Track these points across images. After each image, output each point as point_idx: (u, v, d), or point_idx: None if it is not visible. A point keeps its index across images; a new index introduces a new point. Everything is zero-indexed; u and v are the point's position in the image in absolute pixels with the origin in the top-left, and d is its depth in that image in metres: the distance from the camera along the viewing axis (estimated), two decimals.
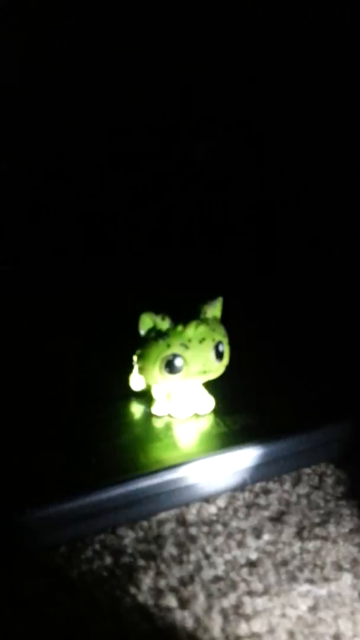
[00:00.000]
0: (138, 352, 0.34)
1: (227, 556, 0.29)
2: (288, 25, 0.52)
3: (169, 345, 0.33)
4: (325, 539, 0.30)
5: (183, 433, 0.34)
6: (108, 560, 0.28)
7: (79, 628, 0.25)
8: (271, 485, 0.33)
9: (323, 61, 0.50)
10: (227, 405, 0.36)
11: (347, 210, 0.49)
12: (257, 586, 0.27)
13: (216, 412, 0.36)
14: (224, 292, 0.36)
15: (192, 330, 0.33)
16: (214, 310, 0.35)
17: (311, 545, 0.29)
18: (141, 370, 0.34)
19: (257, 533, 0.30)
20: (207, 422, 0.35)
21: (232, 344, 0.35)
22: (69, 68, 0.58)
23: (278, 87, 0.54)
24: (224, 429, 0.34)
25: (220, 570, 0.28)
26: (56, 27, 0.57)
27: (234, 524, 0.31)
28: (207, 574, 0.28)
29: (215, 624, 0.25)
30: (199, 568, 0.28)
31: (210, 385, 0.35)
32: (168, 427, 0.35)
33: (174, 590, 0.27)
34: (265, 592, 0.27)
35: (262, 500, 0.32)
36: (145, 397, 0.36)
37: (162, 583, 0.27)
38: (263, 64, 0.55)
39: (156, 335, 0.34)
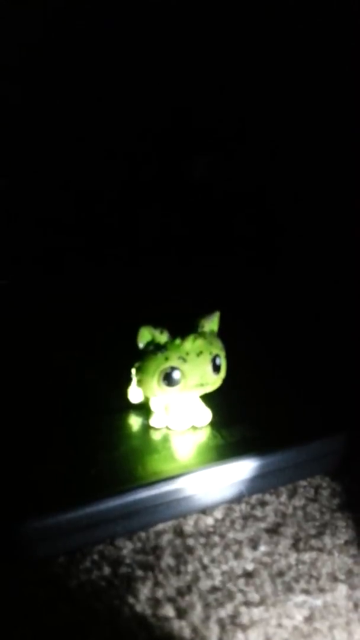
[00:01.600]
0: (136, 364, 0.35)
1: (224, 567, 0.29)
2: (287, 40, 0.53)
3: (167, 358, 0.34)
4: (320, 550, 0.30)
5: (180, 445, 0.34)
6: (106, 570, 0.29)
7: (78, 637, 0.25)
8: (267, 497, 0.34)
9: (322, 74, 0.51)
10: (224, 418, 0.36)
11: (349, 225, 0.49)
12: (254, 596, 0.27)
13: (213, 424, 0.36)
14: (222, 306, 0.36)
15: (190, 344, 0.34)
16: (212, 324, 0.36)
17: (307, 556, 0.30)
18: (139, 382, 0.35)
19: (254, 544, 0.30)
20: (204, 434, 0.35)
21: (229, 357, 0.35)
22: (68, 84, 0.59)
23: (277, 101, 0.55)
24: (220, 441, 0.35)
25: (217, 580, 0.28)
26: (54, 41, 0.57)
27: (231, 535, 0.31)
28: (204, 584, 0.28)
29: (212, 633, 0.26)
30: (196, 578, 0.28)
31: (208, 398, 0.36)
32: (166, 439, 0.35)
33: (171, 600, 0.27)
34: (262, 602, 0.27)
35: (258, 512, 0.33)
36: (144, 409, 0.37)
37: (159, 593, 0.27)
38: (262, 78, 0.56)
39: (154, 348, 0.34)
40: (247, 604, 0.27)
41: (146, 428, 0.36)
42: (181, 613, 0.26)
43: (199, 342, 0.34)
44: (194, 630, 0.26)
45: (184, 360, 0.34)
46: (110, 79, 0.59)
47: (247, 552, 0.30)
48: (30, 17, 0.56)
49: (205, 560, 0.29)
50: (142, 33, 0.58)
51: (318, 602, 0.27)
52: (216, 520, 0.32)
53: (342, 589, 0.28)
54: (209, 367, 0.34)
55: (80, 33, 0.58)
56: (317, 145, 0.52)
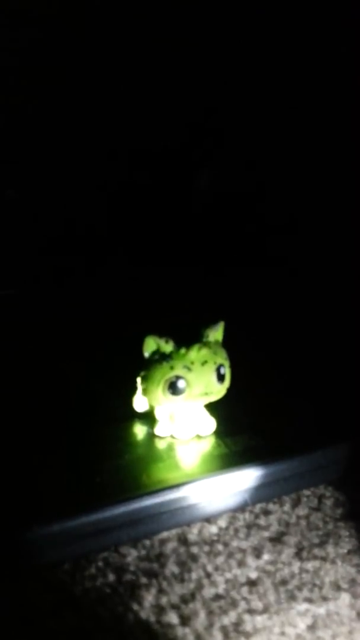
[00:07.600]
0: (142, 373, 0.35)
1: (228, 575, 0.29)
2: (290, 53, 0.54)
3: (172, 368, 0.34)
4: (324, 559, 0.30)
5: (185, 454, 0.35)
6: (111, 577, 0.29)
7: None
8: (271, 506, 0.34)
9: (325, 86, 0.51)
10: (228, 427, 0.36)
11: (350, 234, 0.50)
12: (257, 604, 0.28)
13: (217, 433, 0.36)
14: (226, 316, 0.37)
15: (195, 353, 0.34)
16: (216, 333, 0.36)
17: (310, 565, 0.30)
18: (145, 391, 0.35)
19: (257, 553, 0.31)
20: (208, 443, 0.36)
21: (233, 366, 0.36)
22: (75, 95, 0.60)
23: (281, 115, 0.56)
24: (225, 450, 0.35)
25: (220, 588, 0.28)
26: (60, 50, 0.58)
27: (235, 543, 0.31)
28: (208, 592, 0.28)
29: None
30: (200, 586, 0.28)
31: (212, 407, 0.36)
32: (170, 447, 0.35)
33: (175, 607, 0.27)
34: (265, 610, 0.27)
35: (262, 521, 0.33)
36: (149, 418, 0.37)
37: (163, 600, 0.28)
38: (266, 92, 0.56)
39: (160, 357, 0.34)
40: (251, 612, 0.27)
41: (151, 437, 0.36)
42: (185, 620, 0.27)
43: (204, 352, 0.34)
44: (198, 637, 0.26)
45: (189, 369, 0.34)
46: (118, 94, 0.60)
47: (250, 561, 0.30)
48: (35, 27, 0.57)
49: (209, 568, 0.29)
50: (151, 51, 0.58)
51: (321, 610, 0.28)
52: (220, 529, 0.32)
53: (345, 597, 0.28)
54: (214, 377, 0.35)
55: (87, 42, 0.58)
56: (321, 163, 0.52)
